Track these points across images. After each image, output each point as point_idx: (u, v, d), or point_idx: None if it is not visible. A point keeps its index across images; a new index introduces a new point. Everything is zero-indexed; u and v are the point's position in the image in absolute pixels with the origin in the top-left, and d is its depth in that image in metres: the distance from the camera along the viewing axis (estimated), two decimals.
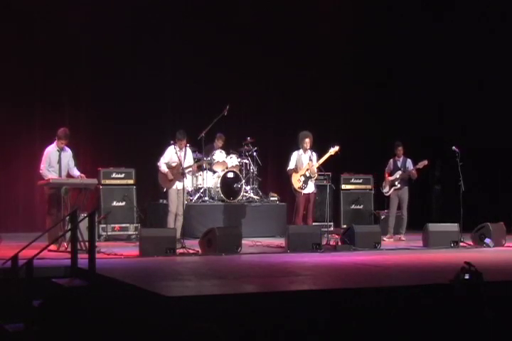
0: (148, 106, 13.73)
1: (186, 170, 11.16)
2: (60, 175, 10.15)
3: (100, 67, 13.47)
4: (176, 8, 14.05)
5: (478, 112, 14.51)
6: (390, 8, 15.24)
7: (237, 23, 14.55)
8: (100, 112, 13.50)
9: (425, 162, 12.23)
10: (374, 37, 15.27)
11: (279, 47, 14.85)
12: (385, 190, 12.59)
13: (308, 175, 11.24)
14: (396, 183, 12.40)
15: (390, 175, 12.54)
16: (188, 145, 11.20)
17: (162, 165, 11.18)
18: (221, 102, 12.98)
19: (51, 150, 10.21)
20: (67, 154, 10.30)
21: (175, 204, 11.14)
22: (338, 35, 15.28)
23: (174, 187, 11.15)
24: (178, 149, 11.07)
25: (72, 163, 10.33)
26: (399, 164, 12.52)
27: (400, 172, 12.43)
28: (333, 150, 11.29)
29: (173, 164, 11.17)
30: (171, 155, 11.13)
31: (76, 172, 10.24)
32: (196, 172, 12.26)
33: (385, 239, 12.03)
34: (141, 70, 13.72)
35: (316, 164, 11.25)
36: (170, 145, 11.19)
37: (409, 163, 12.52)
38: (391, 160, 12.63)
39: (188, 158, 11.28)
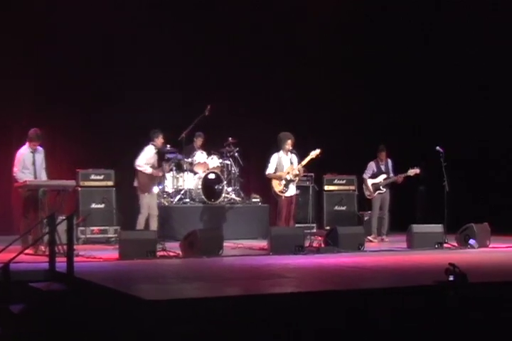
0: (127, 106, 13.65)
1: (161, 173, 11.21)
2: (35, 176, 10.08)
3: (78, 67, 13.39)
4: (159, 5, 14.00)
5: (464, 112, 14.65)
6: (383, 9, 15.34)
7: (220, 22, 14.51)
8: (78, 112, 13.40)
9: (417, 170, 12.25)
10: (363, 36, 15.36)
11: (261, 48, 14.83)
12: (368, 193, 12.65)
13: (289, 178, 11.16)
14: (381, 187, 12.47)
15: (373, 177, 12.58)
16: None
17: (144, 165, 11.14)
18: (202, 102, 12.98)
19: (24, 152, 10.12)
20: (41, 155, 10.23)
21: (147, 207, 11.16)
22: (325, 35, 15.28)
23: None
24: (155, 150, 11.13)
25: (43, 164, 10.25)
26: (383, 167, 12.57)
27: (384, 175, 12.49)
28: (314, 153, 11.15)
29: (148, 165, 11.17)
30: (149, 156, 11.13)
31: (43, 177, 10.16)
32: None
33: (370, 238, 12.15)
34: (120, 70, 13.64)
35: (296, 168, 11.18)
36: (148, 145, 11.20)
37: (390, 164, 12.60)
38: (373, 164, 12.64)
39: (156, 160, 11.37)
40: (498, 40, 14.26)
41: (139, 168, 11.17)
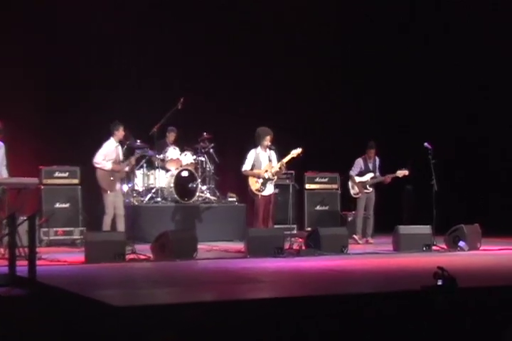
0: (95, 100, 13.58)
1: (127, 168, 11.17)
2: None
3: (45, 58, 13.30)
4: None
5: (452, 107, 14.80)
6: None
7: (196, 14, 14.53)
8: (43, 106, 13.31)
9: (406, 172, 12.36)
10: (358, 35, 15.45)
11: (238, 38, 14.80)
12: (354, 191, 12.68)
13: (267, 177, 11.14)
14: (368, 186, 12.53)
15: (360, 175, 12.61)
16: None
17: (102, 162, 11.12)
18: (175, 94, 12.94)
19: None
20: (2, 150, 10.16)
21: (112, 206, 11.14)
22: (308, 28, 15.32)
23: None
24: (116, 144, 11.12)
25: (4, 160, 10.18)
26: (370, 166, 12.63)
27: (371, 174, 12.55)
28: (295, 152, 11.15)
29: (109, 162, 11.15)
30: (108, 151, 11.11)
31: (4, 174, 10.09)
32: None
33: (355, 237, 12.26)
34: (87, 61, 13.57)
35: (276, 166, 11.17)
36: (108, 139, 11.19)
37: (378, 163, 12.67)
38: (360, 161, 12.68)
39: (120, 154, 11.32)
40: (498, 40, 14.50)
41: (96, 166, 11.17)
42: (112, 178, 11.12)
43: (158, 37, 14.14)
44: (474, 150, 14.82)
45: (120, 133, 11.23)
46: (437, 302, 6.43)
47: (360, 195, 12.59)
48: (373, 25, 15.41)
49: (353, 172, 12.70)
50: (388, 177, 12.50)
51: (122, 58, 13.86)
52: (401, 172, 12.40)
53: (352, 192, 12.74)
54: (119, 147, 11.31)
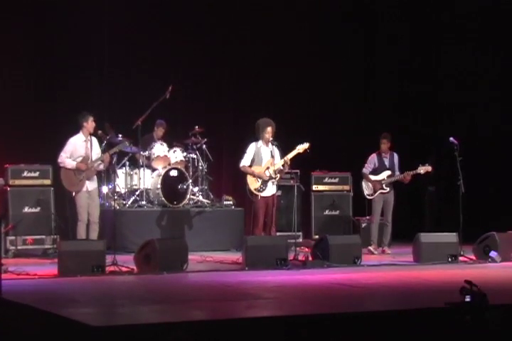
0: (68, 90, 13.55)
1: (96, 164, 11.17)
2: None
3: (12, 51, 13.32)
4: None
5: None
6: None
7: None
8: (9, 97, 13.30)
9: (428, 168, 12.29)
10: (363, 25, 15.58)
11: (235, 20, 14.87)
12: (368, 191, 12.65)
13: (268, 175, 11.12)
14: (384, 186, 12.48)
15: (374, 173, 12.60)
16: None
17: (66, 160, 11.15)
18: (163, 82, 12.94)
19: None
20: None
21: (85, 211, 11.18)
22: (317, 25, 15.39)
23: (84, 188, 11.13)
24: (85, 138, 11.12)
25: None
26: (386, 162, 12.59)
27: (387, 172, 12.52)
28: (301, 147, 11.16)
29: (78, 159, 11.15)
30: (74, 147, 11.12)
31: None
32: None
33: (370, 248, 12.23)
34: (60, 47, 13.56)
35: (279, 163, 11.16)
36: (76, 133, 11.23)
37: (396, 159, 12.63)
38: (374, 156, 12.66)
39: (95, 148, 11.30)
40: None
41: (60, 165, 11.22)
42: (80, 178, 11.11)
43: (157, 35, 14.21)
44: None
45: (90, 125, 11.22)
46: (465, 322, 6.43)
47: (376, 194, 12.52)
48: (391, 15, 15.58)
49: (366, 169, 12.67)
50: (408, 175, 12.44)
51: (102, 51, 13.90)
52: (423, 168, 12.33)
53: (366, 192, 12.67)
54: (93, 142, 11.28)
